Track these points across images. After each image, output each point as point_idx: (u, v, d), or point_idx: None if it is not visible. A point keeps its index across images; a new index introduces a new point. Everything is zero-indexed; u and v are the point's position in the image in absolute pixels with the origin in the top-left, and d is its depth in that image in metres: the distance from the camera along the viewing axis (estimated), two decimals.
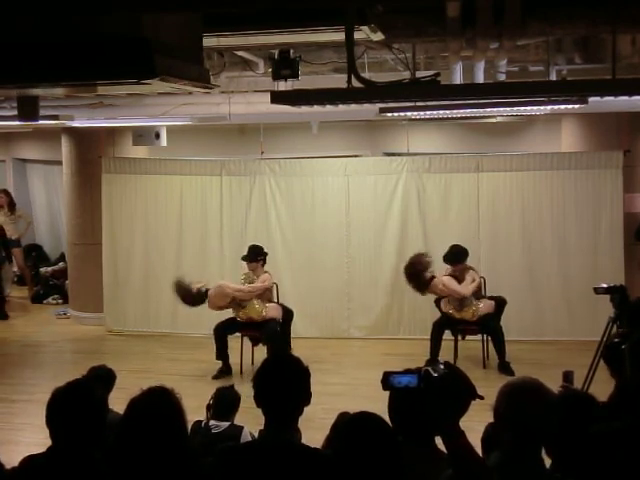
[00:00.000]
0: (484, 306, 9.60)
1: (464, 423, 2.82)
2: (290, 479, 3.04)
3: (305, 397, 3.13)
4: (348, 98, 5.79)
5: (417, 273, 9.43)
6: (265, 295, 9.68)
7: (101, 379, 5.32)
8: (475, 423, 3.44)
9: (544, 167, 10.75)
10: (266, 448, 3.09)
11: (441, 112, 8.02)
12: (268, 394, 3.11)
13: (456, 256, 9.54)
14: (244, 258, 9.74)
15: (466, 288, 9.44)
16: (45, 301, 13.99)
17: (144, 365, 10.01)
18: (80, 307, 12.45)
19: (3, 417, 8.28)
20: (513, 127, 12.44)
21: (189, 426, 3.99)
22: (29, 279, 14.46)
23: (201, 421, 5.60)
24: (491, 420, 3.06)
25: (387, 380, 2.89)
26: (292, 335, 10.66)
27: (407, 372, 2.92)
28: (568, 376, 4.87)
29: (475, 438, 3.56)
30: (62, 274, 14.05)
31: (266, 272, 9.75)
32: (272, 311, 9.64)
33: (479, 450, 3.43)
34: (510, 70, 7.30)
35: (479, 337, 9.74)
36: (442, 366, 2.88)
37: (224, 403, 5.72)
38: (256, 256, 9.68)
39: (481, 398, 2.88)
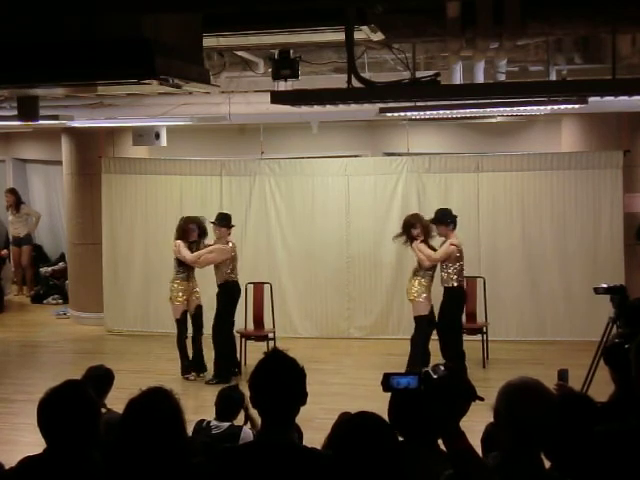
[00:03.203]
0: (417, 303, 9.29)
1: (464, 423, 2.82)
2: (288, 479, 3.04)
3: (301, 397, 3.13)
4: (348, 98, 5.80)
5: (409, 224, 9.44)
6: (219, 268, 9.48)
7: (99, 379, 5.32)
8: (475, 423, 3.43)
9: (544, 167, 10.75)
10: (264, 448, 3.09)
11: (441, 112, 8.02)
12: (264, 395, 3.11)
13: (439, 217, 9.34)
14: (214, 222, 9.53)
15: (436, 254, 9.23)
16: (45, 301, 13.99)
17: (144, 365, 10.02)
18: (80, 307, 12.45)
19: (3, 417, 8.28)
20: (513, 127, 12.44)
21: (191, 426, 4.00)
22: (30, 279, 14.48)
23: (203, 420, 5.60)
24: (491, 420, 3.05)
25: (387, 381, 2.89)
26: (292, 335, 10.72)
27: (407, 373, 2.92)
28: (563, 374, 4.87)
29: (475, 438, 3.55)
30: (62, 274, 14.05)
31: (223, 249, 9.49)
32: (174, 311, 9.62)
33: (479, 450, 3.43)
34: (510, 70, 7.30)
35: (479, 337, 9.74)
36: (442, 367, 2.88)
37: (225, 404, 5.71)
38: (227, 222, 9.53)
39: (481, 399, 2.88)
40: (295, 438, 3.15)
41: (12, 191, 14.53)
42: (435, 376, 2.83)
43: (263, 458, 3.05)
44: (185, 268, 9.47)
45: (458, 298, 9.38)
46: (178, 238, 9.46)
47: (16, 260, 14.53)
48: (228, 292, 9.49)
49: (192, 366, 9.51)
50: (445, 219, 9.30)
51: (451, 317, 9.29)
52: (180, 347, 9.53)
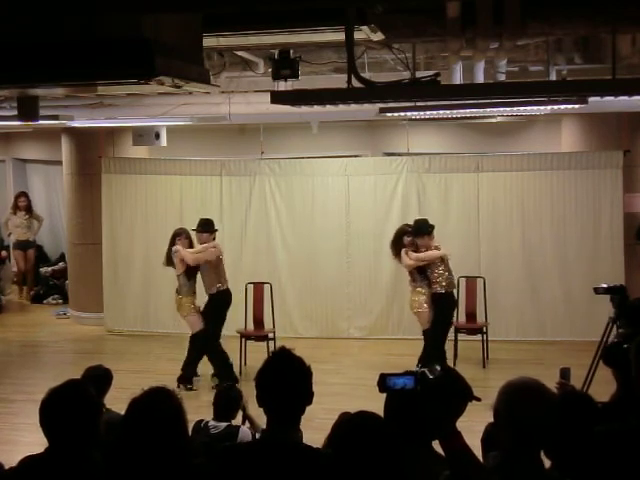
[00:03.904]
0: (422, 312, 9.18)
1: (464, 423, 2.82)
2: (292, 479, 3.04)
3: (307, 396, 3.14)
4: (348, 98, 5.80)
5: (403, 232, 9.28)
6: (211, 275, 9.26)
7: (98, 379, 5.33)
8: (475, 423, 3.44)
9: (544, 167, 10.75)
10: (268, 448, 3.09)
11: (441, 112, 8.02)
12: (270, 394, 3.12)
13: (419, 228, 9.16)
14: (196, 229, 9.27)
15: (417, 258, 9.05)
16: (45, 301, 13.98)
17: (144, 365, 10.02)
18: (80, 307, 12.45)
19: (3, 417, 8.28)
20: (513, 127, 12.44)
21: (190, 426, 4.00)
22: (30, 281, 14.34)
23: (202, 420, 5.60)
24: (491, 420, 3.05)
25: (383, 382, 2.88)
26: (292, 335, 10.68)
27: (403, 374, 2.91)
28: (565, 373, 4.87)
29: (475, 438, 3.55)
30: (62, 274, 14.05)
31: (215, 246, 9.30)
32: (195, 323, 9.28)
33: (478, 450, 3.43)
34: (510, 70, 7.30)
35: (479, 337, 9.74)
36: (438, 368, 2.87)
37: (223, 403, 5.72)
38: (212, 227, 9.30)
39: (478, 400, 2.88)
40: (300, 437, 3.15)
41: (26, 194, 14.38)
42: (431, 376, 2.83)
43: (265, 457, 3.05)
44: (193, 280, 9.30)
45: (444, 305, 9.17)
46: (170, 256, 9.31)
47: (20, 264, 14.25)
48: (221, 301, 9.30)
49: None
50: (425, 229, 9.12)
51: (437, 323, 9.09)
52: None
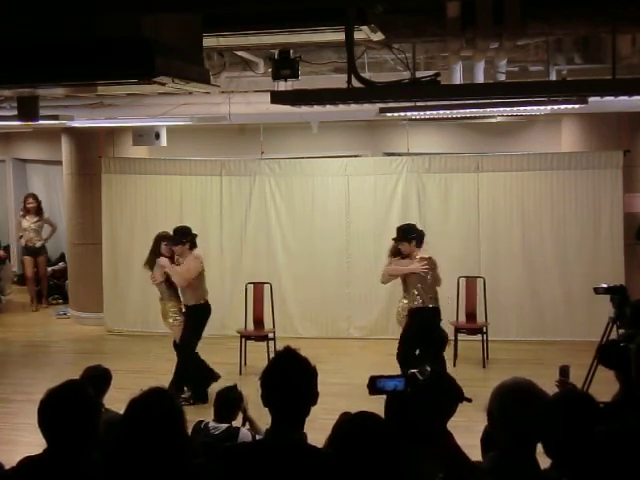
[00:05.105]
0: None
1: (464, 423, 2.83)
2: (295, 479, 3.04)
3: (312, 397, 3.15)
4: (348, 98, 5.80)
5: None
6: (193, 288, 8.67)
7: (97, 379, 5.33)
8: (474, 423, 3.43)
9: (544, 167, 10.75)
10: (273, 447, 3.10)
11: (441, 112, 8.02)
12: (276, 393, 3.12)
13: (402, 233, 8.58)
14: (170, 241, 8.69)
15: (386, 272, 8.67)
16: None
17: (144, 365, 10.01)
18: (80, 307, 12.45)
19: (3, 417, 8.28)
20: (513, 127, 12.44)
21: (190, 427, 4.00)
22: (46, 290, 13.84)
23: (202, 421, 5.60)
24: None
25: (373, 384, 2.89)
26: (292, 335, 10.67)
27: (394, 376, 2.91)
28: (564, 370, 4.89)
29: (475, 438, 3.55)
30: (62, 274, 14.03)
31: (197, 257, 8.73)
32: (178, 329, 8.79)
33: (478, 450, 3.43)
34: (510, 70, 7.30)
35: (479, 337, 9.74)
36: (428, 369, 2.88)
37: (223, 405, 5.71)
38: (182, 237, 8.62)
39: (469, 400, 2.87)
40: (304, 437, 3.15)
41: (34, 196, 13.85)
42: (421, 378, 2.84)
43: (269, 457, 3.06)
44: (173, 288, 8.78)
45: (422, 319, 8.48)
46: (152, 259, 8.78)
47: (29, 272, 13.59)
48: (201, 314, 8.80)
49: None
50: (408, 235, 8.52)
51: (411, 337, 8.41)
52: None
